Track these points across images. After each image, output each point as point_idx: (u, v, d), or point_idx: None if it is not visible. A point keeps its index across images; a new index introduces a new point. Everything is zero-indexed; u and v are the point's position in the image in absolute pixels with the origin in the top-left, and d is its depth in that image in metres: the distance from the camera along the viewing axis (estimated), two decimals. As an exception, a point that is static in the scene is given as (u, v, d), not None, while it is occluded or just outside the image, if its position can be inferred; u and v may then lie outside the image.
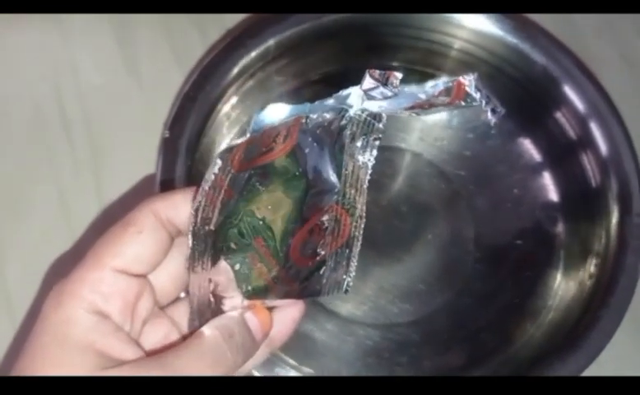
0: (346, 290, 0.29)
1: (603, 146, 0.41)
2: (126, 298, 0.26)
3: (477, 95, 0.31)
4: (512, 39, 0.43)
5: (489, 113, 0.32)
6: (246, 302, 0.28)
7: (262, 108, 0.28)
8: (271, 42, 0.42)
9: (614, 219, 0.39)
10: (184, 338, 0.28)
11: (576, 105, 0.41)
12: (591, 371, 0.35)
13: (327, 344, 0.40)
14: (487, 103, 0.32)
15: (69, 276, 0.26)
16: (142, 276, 0.27)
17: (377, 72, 0.30)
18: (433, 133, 0.45)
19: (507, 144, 0.45)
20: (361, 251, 0.41)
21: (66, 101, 0.47)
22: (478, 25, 0.43)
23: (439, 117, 0.45)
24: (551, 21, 0.45)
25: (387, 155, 0.44)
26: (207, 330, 0.26)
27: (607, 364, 0.35)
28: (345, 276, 0.29)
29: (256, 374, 0.35)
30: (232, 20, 0.47)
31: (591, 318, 0.36)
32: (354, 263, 0.30)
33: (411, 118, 0.45)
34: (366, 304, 0.41)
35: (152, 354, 0.26)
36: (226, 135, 0.43)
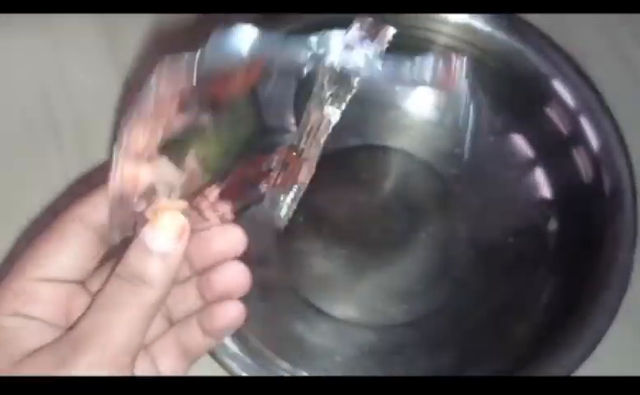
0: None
1: (594, 143, 0.41)
2: (56, 302, 0.27)
3: (464, 84, 0.30)
4: (502, 36, 0.43)
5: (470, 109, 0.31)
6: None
7: (227, 27, 0.26)
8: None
9: (607, 215, 0.39)
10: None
11: (567, 102, 0.42)
12: (585, 368, 0.35)
13: (322, 346, 0.40)
14: (471, 96, 0.31)
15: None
16: (77, 281, 0.27)
17: (369, 21, 0.28)
18: (425, 132, 0.45)
19: (499, 141, 0.45)
20: (355, 251, 0.42)
21: (55, 105, 0.46)
22: (469, 22, 0.43)
23: (430, 115, 0.45)
24: (541, 19, 0.45)
25: (379, 155, 0.44)
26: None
27: (601, 360, 0.35)
28: (281, 215, 0.29)
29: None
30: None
31: (585, 315, 0.36)
32: (293, 207, 0.29)
33: (399, 113, 0.45)
34: (361, 305, 0.41)
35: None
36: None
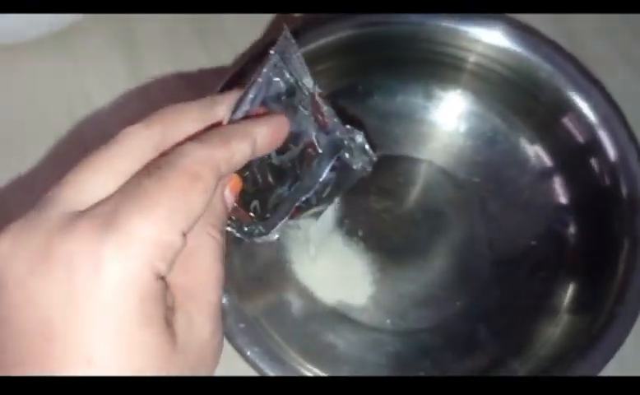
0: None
1: (610, 150, 0.41)
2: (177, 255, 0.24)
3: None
4: (519, 49, 0.44)
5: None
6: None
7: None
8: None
9: (625, 219, 0.40)
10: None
11: (583, 111, 0.42)
12: (609, 367, 0.36)
13: (350, 353, 0.41)
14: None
15: (123, 231, 0.22)
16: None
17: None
18: (443, 140, 0.47)
19: (515, 149, 0.46)
20: (379, 259, 0.43)
21: (81, 125, 0.48)
22: (489, 38, 0.44)
23: (450, 125, 0.47)
24: (548, 21, 0.46)
25: (401, 165, 0.46)
26: (212, 242, 0.26)
27: (625, 360, 0.36)
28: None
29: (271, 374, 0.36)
30: (242, 40, 0.49)
31: (608, 315, 0.37)
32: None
33: (419, 124, 0.47)
34: (386, 312, 0.42)
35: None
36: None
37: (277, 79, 0.31)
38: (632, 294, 0.37)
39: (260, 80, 0.31)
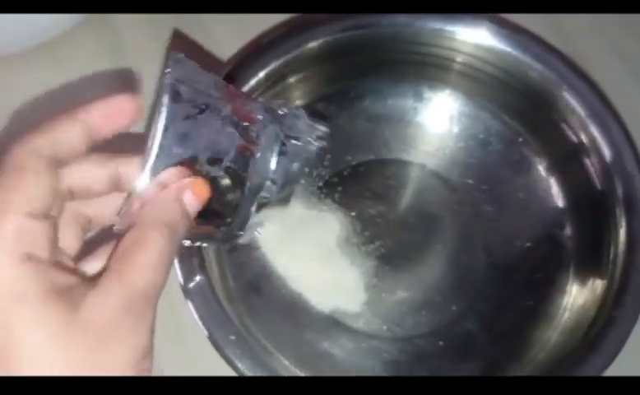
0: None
1: (605, 149, 0.41)
2: (48, 238, 0.26)
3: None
4: (508, 48, 0.43)
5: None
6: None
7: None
8: (273, 65, 0.42)
9: (622, 218, 0.40)
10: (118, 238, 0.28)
11: (577, 111, 0.42)
12: (609, 371, 0.36)
13: (346, 361, 0.40)
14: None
15: None
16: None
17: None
18: (435, 143, 0.46)
19: (509, 150, 0.45)
20: (373, 265, 0.43)
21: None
22: (479, 38, 0.43)
23: (442, 127, 0.46)
24: (538, 20, 0.46)
25: (393, 169, 0.45)
26: (152, 235, 0.26)
27: (625, 362, 0.36)
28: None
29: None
30: (230, 45, 0.48)
31: (607, 318, 0.36)
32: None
33: (410, 127, 0.46)
34: (381, 318, 0.41)
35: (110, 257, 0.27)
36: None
37: (182, 104, 0.29)
38: (630, 296, 0.37)
39: (164, 118, 0.29)
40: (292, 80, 0.43)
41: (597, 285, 0.39)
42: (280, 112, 0.33)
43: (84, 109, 0.28)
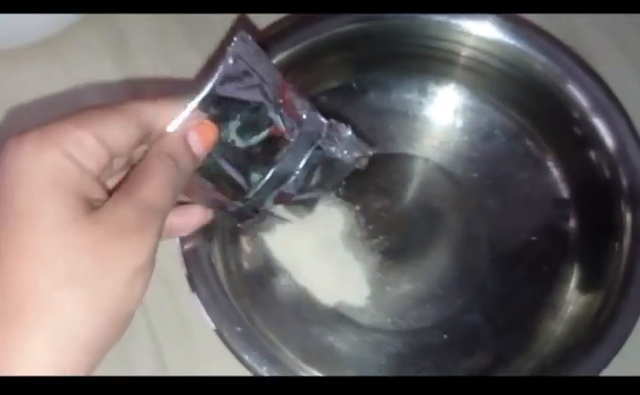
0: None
1: (609, 141, 0.41)
2: (99, 163, 0.28)
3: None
4: (513, 41, 0.43)
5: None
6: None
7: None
8: (278, 58, 0.42)
9: (626, 211, 0.40)
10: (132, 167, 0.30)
11: (580, 102, 0.42)
12: (614, 364, 0.36)
13: (351, 354, 0.40)
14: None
15: (44, 128, 0.27)
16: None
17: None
18: (439, 137, 0.46)
19: (513, 143, 0.45)
20: (377, 259, 0.43)
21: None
22: (484, 32, 0.43)
23: (446, 120, 0.46)
24: (544, 18, 0.46)
25: (397, 163, 0.45)
26: (157, 161, 0.29)
27: (630, 354, 0.36)
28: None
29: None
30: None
31: (612, 310, 0.36)
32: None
33: (415, 121, 0.46)
34: (386, 312, 0.41)
35: (116, 188, 0.29)
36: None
37: (235, 77, 0.31)
38: (636, 288, 0.37)
39: (214, 79, 0.30)
40: (297, 73, 0.43)
41: (602, 277, 0.39)
42: (324, 120, 0.35)
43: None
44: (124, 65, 0.49)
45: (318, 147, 0.35)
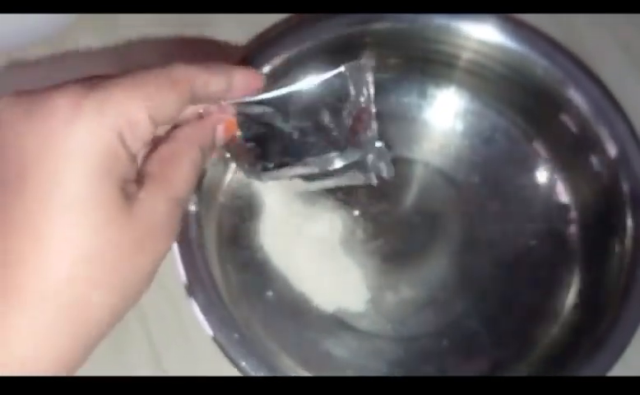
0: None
1: (610, 145, 0.41)
2: (145, 142, 0.28)
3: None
4: (514, 45, 0.43)
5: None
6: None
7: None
8: (277, 61, 0.42)
9: (627, 216, 0.39)
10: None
11: (581, 107, 0.42)
12: (615, 370, 0.35)
13: (350, 361, 0.40)
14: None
15: (103, 98, 0.26)
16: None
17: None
18: (439, 140, 0.46)
19: (514, 147, 0.45)
20: (376, 263, 0.42)
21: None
22: (484, 35, 0.43)
23: (447, 124, 0.46)
24: (542, 15, 0.45)
25: (395, 166, 0.44)
26: (192, 150, 0.30)
27: (631, 360, 0.36)
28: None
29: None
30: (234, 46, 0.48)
31: (614, 316, 0.36)
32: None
33: (415, 124, 0.46)
34: (386, 317, 0.41)
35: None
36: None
37: (335, 86, 0.33)
38: (637, 293, 0.36)
39: (291, 88, 0.33)
40: (296, 76, 0.43)
41: (603, 282, 0.39)
42: (379, 143, 0.36)
43: (232, 68, 0.31)
44: (124, 66, 0.48)
45: (356, 163, 0.35)
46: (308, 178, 0.36)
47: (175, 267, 0.37)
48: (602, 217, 0.41)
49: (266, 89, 0.33)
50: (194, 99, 0.29)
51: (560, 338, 0.39)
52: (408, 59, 0.46)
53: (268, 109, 0.33)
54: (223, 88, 0.31)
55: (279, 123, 0.33)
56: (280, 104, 0.33)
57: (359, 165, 0.36)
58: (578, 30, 0.49)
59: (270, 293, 0.41)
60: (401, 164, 0.45)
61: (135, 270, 0.26)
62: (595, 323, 0.37)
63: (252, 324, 0.38)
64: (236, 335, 0.35)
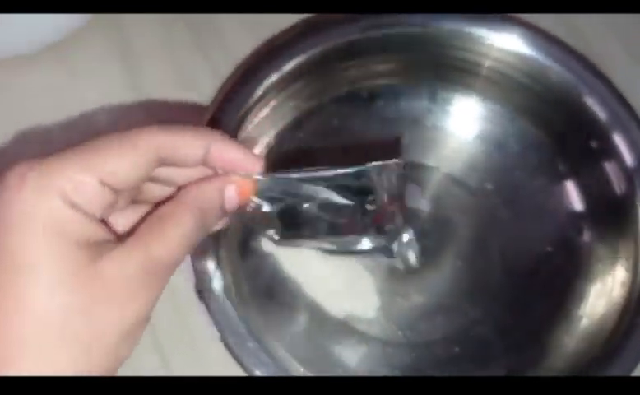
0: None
1: (625, 153, 0.40)
2: (104, 205, 0.27)
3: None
4: (529, 52, 0.43)
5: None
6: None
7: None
8: (287, 66, 0.42)
9: (641, 224, 0.39)
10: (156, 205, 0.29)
11: (596, 114, 0.41)
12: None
13: (361, 366, 0.40)
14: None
15: (45, 167, 0.26)
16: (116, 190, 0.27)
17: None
18: (452, 146, 0.45)
19: (527, 154, 0.45)
20: (387, 270, 0.42)
21: (79, 138, 0.46)
22: (498, 41, 0.43)
23: (456, 129, 0.45)
24: (550, 19, 0.45)
25: (411, 173, 0.44)
26: (185, 214, 0.28)
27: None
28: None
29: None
30: (242, 47, 0.48)
31: (628, 326, 0.36)
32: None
33: (429, 130, 0.46)
34: (396, 324, 0.41)
35: (131, 234, 0.27)
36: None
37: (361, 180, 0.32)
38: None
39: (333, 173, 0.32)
40: (306, 81, 0.43)
41: (617, 291, 0.38)
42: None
43: (212, 133, 0.30)
44: (130, 70, 0.48)
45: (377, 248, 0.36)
46: (327, 251, 0.37)
47: (186, 274, 0.37)
48: (616, 225, 0.40)
49: (294, 169, 0.32)
50: (165, 163, 0.28)
51: (573, 348, 0.38)
52: (420, 64, 0.45)
53: (293, 184, 0.32)
54: (197, 153, 0.29)
55: (303, 196, 0.33)
56: (305, 180, 0.32)
57: (383, 250, 0.36)
58: (587, 35, 0.49)
59: (280, 300, 0.41)
60: (414, 170, 0.45)
61: (97, 326, 0.25)
62: (609, 334, 0.37)
63: (262, 329, 0.38)
64: (247, 342, 0.35)
